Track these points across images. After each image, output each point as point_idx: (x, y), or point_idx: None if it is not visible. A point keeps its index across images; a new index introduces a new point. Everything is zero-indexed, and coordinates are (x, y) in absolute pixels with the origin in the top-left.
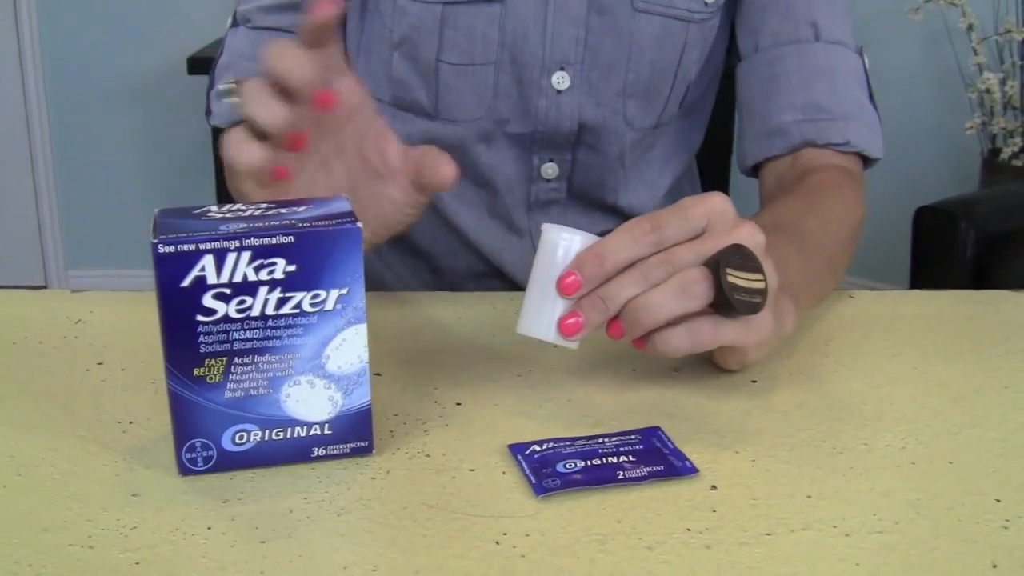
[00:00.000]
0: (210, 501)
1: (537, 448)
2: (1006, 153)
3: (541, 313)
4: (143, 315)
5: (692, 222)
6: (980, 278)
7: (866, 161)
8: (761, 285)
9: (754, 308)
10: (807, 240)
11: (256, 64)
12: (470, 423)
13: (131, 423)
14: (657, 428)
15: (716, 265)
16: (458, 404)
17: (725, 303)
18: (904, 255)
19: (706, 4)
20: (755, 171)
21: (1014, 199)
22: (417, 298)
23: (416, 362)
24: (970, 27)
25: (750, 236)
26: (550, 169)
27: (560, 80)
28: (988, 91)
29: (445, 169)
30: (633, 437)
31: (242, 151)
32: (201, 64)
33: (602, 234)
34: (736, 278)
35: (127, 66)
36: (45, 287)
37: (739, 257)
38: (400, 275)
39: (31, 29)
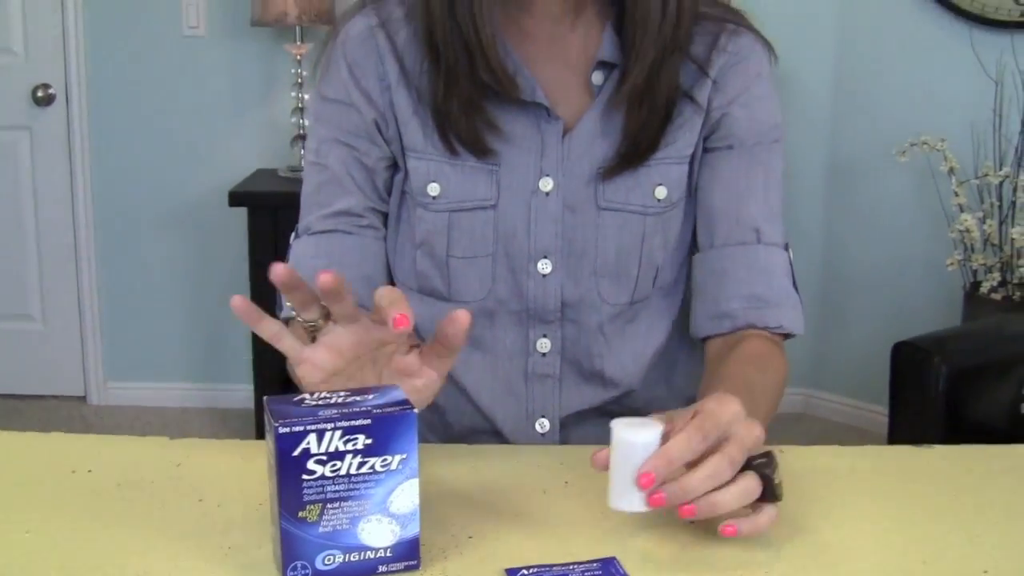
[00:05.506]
0: None
1: (526, 571)
2: (985, 287)
3: (631, 493)
4: (232, 460)
5: (724, 427)
6: (952, 411)
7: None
8: (779, 478)
9: (781, 494)
10: (755, 395)
11: (318, 261)
12: (478, 550)
13: (230, 548)
14: (613, 558)
15: (763, 469)
16: (469, 536)
17: (772, 495)
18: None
19: (658, 201)
20: (702, 339)
21: (986, 336)
22: (441, 450)
23: (437, 504)
24: (951, 170)
25: (760, 432)
26: (545, 344)
27: (544, 266)
28: (967, 231)
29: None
30: (595, 564)
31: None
32: (240, 198)
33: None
34: (776, 477)
35: (171, 197)
36: (85, 398)
37: (772, 461)
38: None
39: (83, 156)
